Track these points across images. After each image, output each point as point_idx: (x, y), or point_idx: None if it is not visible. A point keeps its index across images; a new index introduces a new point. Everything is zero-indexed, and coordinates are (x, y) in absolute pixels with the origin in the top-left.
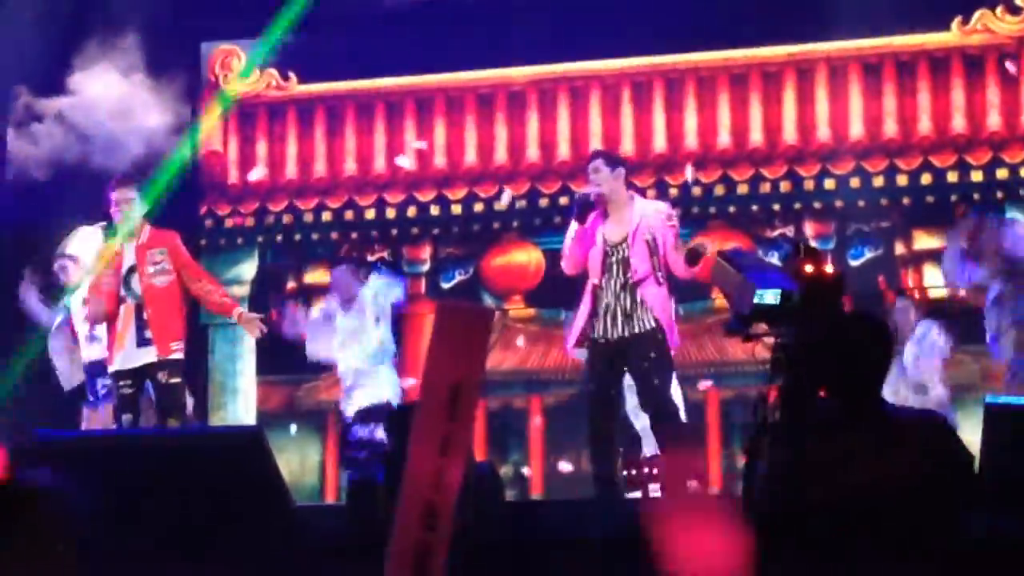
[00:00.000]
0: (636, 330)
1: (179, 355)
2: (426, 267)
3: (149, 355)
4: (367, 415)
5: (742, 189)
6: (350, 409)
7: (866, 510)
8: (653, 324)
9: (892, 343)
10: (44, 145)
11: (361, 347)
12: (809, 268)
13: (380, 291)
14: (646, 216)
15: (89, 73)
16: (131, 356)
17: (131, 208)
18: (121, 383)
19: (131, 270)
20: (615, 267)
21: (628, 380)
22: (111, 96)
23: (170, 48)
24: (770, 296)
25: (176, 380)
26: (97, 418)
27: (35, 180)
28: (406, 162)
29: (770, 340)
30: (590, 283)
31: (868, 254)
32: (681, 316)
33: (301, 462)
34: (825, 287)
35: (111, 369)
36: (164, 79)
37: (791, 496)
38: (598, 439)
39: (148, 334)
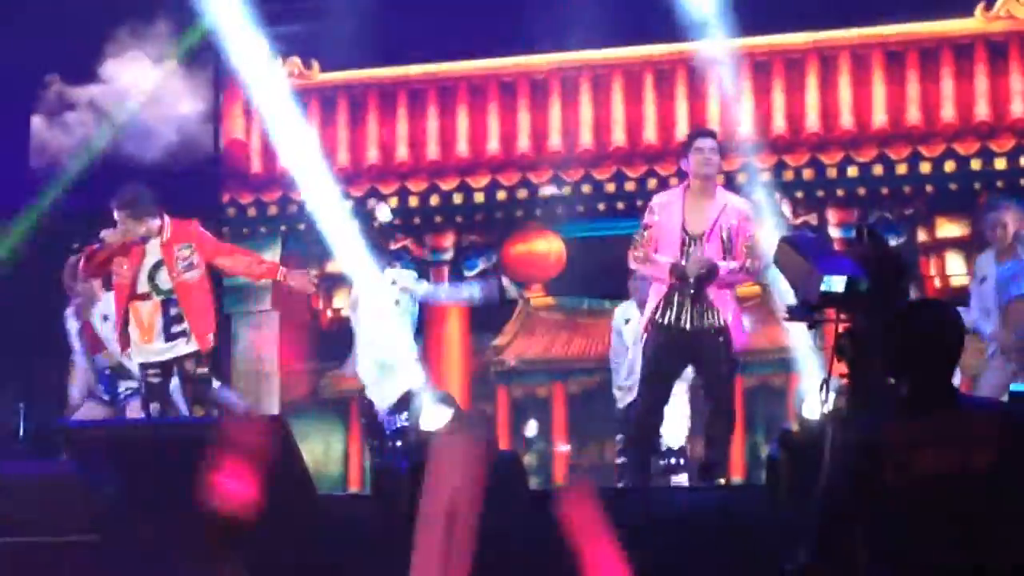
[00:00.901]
0: (709, 324)
1: (211, 346)
2: (449, 255)
3: (180, 349)
4: (400, 404)
5: (763, 176)
6: (381, 401)
7: (935, 497)
8: (725, 320)
9: (963, 330)
10: (76, 133)
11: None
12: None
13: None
14: (727, 212)
15: (121, 60)
16: (160, 351)
17: (125, 227)
18: (150, 372)
19: (157, 266)
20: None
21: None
22: (143, 84)
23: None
24: (837, 283)
25: (204, 370)
26: (96, 415)
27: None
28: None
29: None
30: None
31: (891, 242)
32: None
33: (324, 450)
34: (892, 272)
35: (137, 360)
36: (196, 66)
37: (856, 480)
38: (645, 425)
39: (176, 328)
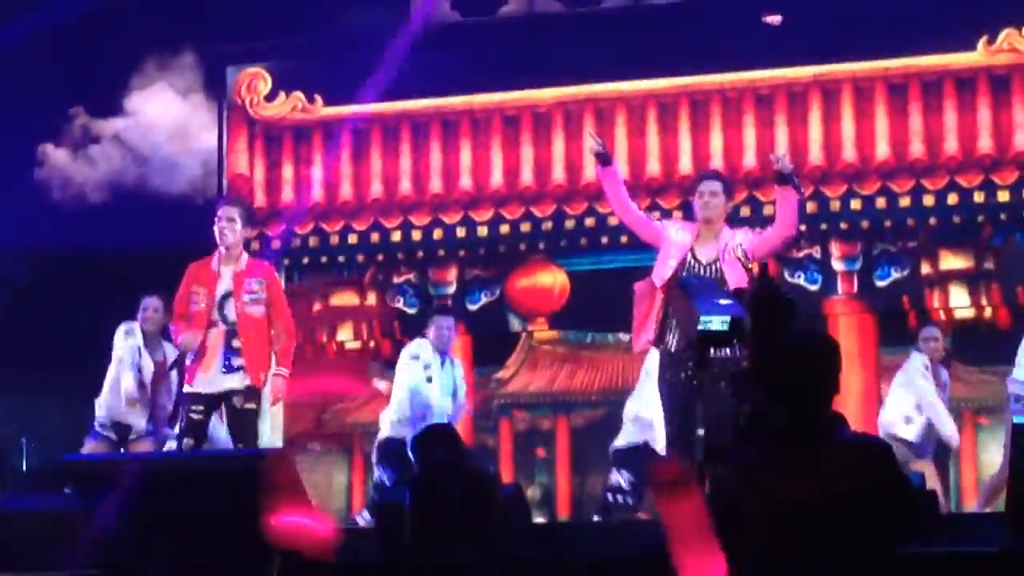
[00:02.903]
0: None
1: (262, 384)
2: (452, 289)
3: (234, 381)
4: None
5: (768, 210)
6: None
7: (796, 526)
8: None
9: (838, 361)
10: (101, 167)
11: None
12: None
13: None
14: (733, 241)
15: (146, 93)
16: (215, 381)
17: (234, 228)
18: (193, 407)
19: (227, 296)
20: None
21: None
22: (169, 117)
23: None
24: (716, 322)
25: (251, 406)
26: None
27: (92, 202)
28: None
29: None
30: (663, 293)
31: (894, 274)
32: None
33: (327, 483)
34: (777, 312)
35: (187, 390)
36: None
37: (721, 509)
38: (684, 448)
39: (236, 362)
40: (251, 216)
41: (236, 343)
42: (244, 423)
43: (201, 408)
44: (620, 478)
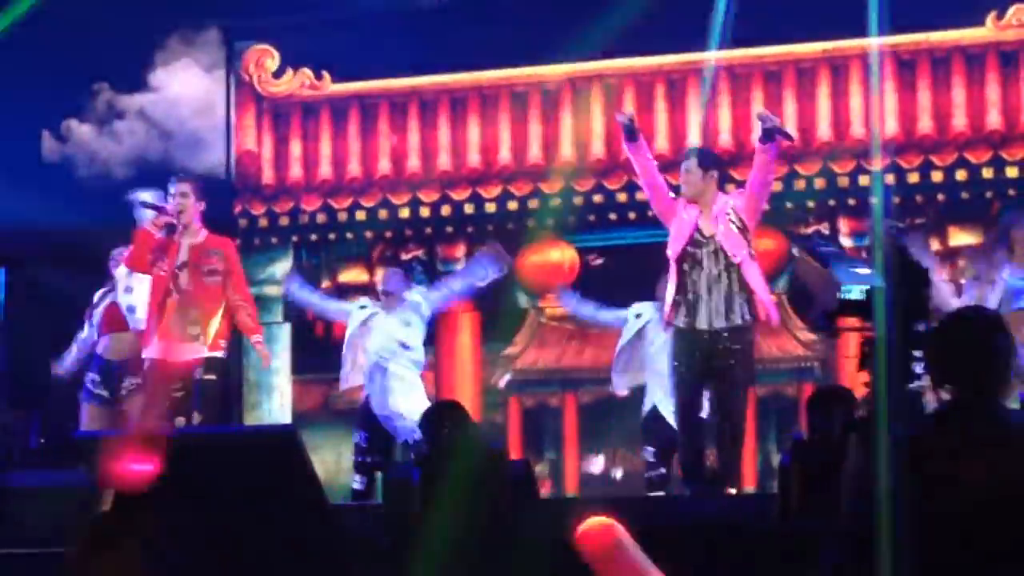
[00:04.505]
0: (734, 323)
1: (222, 353)
2: (460, 265)
3: (194, 351)
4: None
5: (776, 186)
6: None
7: (973, 512)
8: (749, 318)
9: (1010, 340)
10: (125, 142)
11: (403, 352)
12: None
13: (425, 303)
14: (727, 201)
15: (171, 69)
16: (176, 351)
17: (185, 203)
18: (172, 386)
19: (182, 266)
20: (708, 258)
21: None
22: (193, 92)
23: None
24: (856, 291)
25: (211, 377)
26: (96, 416)
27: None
28: None
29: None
30: (675, 269)
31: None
32: None
33: (336, 461)
34: (914, 280)
35: (147, 355)
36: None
37: (904, 477)
38: (690, 429)
39: (193, 331)
40: (206, 189)
41: (193, 313)
42: (205, 395)
43: (178, 385)
44: (646, 454)
